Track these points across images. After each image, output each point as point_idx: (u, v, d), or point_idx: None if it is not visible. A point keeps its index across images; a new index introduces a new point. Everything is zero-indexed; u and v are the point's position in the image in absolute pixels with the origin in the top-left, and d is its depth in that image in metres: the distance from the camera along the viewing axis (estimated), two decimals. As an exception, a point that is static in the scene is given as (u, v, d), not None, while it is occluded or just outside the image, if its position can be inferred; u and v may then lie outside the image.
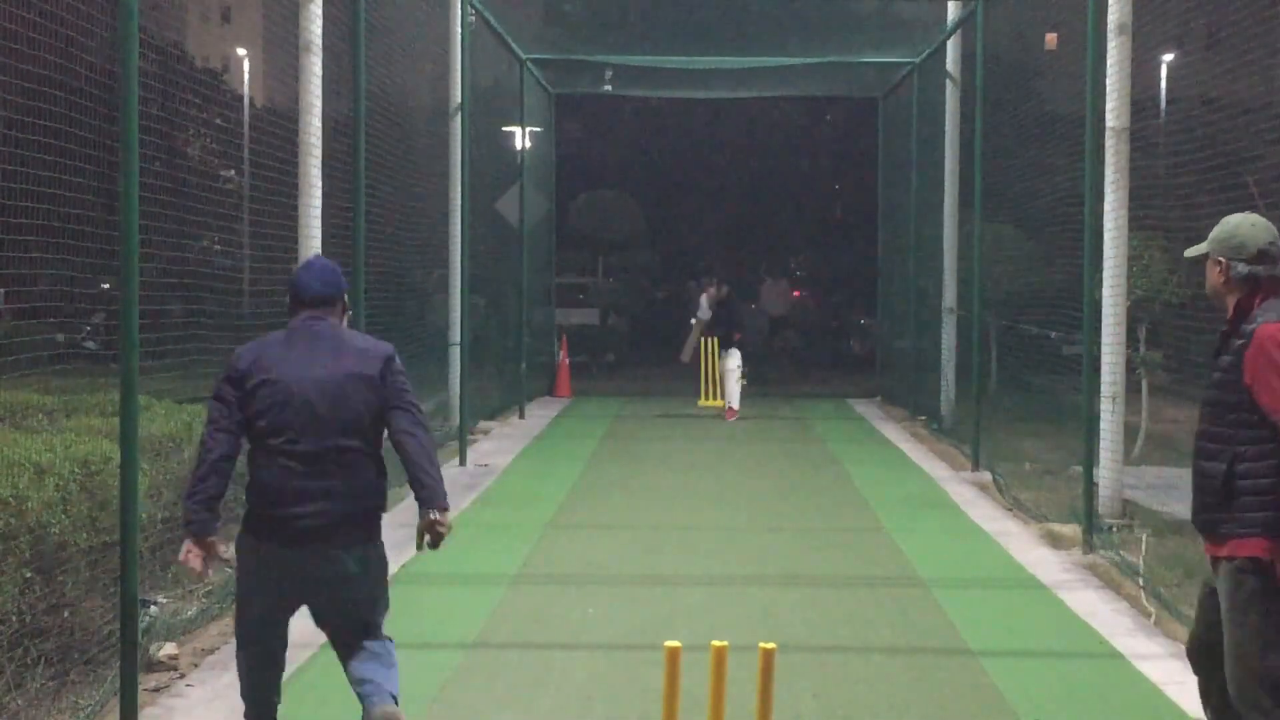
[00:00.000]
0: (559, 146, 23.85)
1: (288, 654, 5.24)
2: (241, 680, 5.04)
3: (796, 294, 33.09)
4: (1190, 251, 4.82)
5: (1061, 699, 6.08)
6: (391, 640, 5.05)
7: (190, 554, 4.86)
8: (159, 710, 5.67)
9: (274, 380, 4.82)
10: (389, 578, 5.17)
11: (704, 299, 18.42)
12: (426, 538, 4.92)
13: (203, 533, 4.84)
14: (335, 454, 4.80)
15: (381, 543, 5.06)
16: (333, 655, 6.09)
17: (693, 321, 19.09)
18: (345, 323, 5.12)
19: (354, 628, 4.95)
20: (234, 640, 5.19)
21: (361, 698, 4.88)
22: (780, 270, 34.42)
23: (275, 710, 5.07)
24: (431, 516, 4.88)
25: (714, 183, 34.32)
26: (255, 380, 4.83)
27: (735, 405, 17.82)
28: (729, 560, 8.95)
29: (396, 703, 4.86)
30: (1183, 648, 6.74)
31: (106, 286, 7.69)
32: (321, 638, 6.32)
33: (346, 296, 5.14)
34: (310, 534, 4.80)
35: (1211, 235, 4.69)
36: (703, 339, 19.85)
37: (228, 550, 4.99)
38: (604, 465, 13.53)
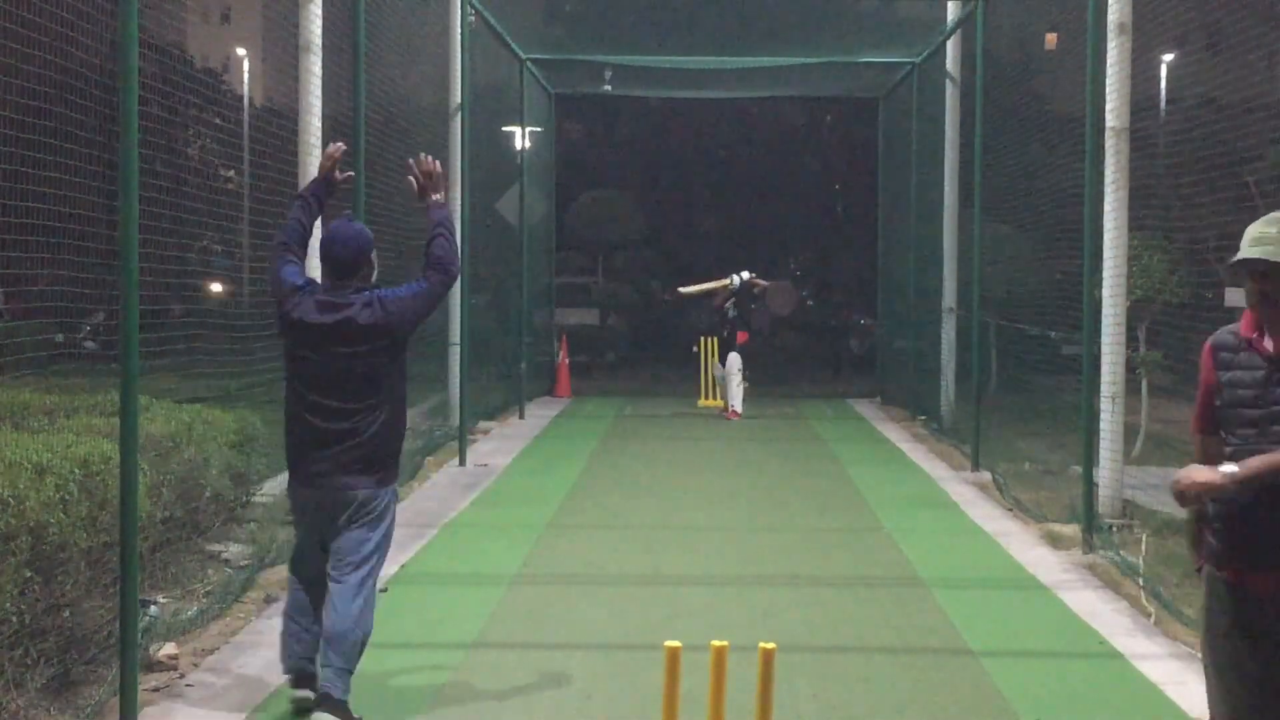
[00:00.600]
0: (559, 146, 23.84)
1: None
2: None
3: (803, 295, 33.07)
4: (1257, 252, 3.79)
5: (1061, 699, 6.08)
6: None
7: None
8: (159, 710, 5.67)
9: (300, 332, 5.51)
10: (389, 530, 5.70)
11: (744, 275, 18.23)
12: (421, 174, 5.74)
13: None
14: (345, 415, 5.46)
15: (388, 490, 5.62)
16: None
17: (725, 283, 18.43)
18: (374, 277, 5.68)
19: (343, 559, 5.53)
20: (235, 639, 5.85)
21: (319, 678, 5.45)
22: (787, 270, 34.39)
23: (307, 660, 5.49)
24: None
25: (714, 183, 34.29)
26: (292, 318, 5.54)
27: (738, 407, 17.85)
28: (729, 560, 8.95)
29: (340, 705, 5.33)
30: (1183, 647, 6.76)
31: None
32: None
33: (374, 254, 5.69)
34: (322, 479, 5.49)
35: None
36: (704, 339, 19.90)
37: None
38: (604, 465, 13.53)
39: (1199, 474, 3.80)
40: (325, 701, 5.34)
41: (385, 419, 5.53)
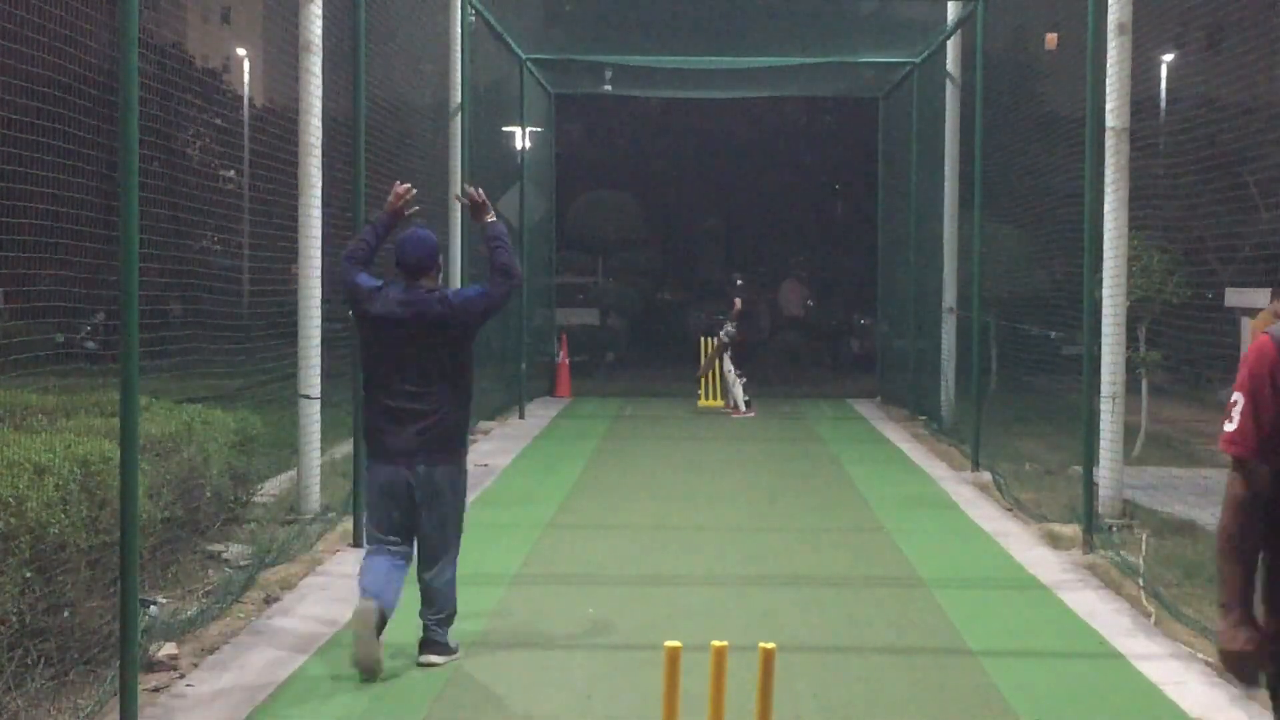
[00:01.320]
0: (559, 146, 23.84)
1: (289, 653, 5.83)
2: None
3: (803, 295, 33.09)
4: None
5: (1061, 699, 6.08)
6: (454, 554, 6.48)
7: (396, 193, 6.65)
8: (159, 710, 5.67)
9: (377, 327, 6.30)
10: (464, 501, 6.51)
11: (731, 327, 18.56)
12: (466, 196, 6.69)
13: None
14: (421, 397, 6.25)
15: (460, 466, 6.42)
16: (332, 655, 6.13)
17: (718, 344, 18.84)
18: (440, 280, 6.52)
19: (430, 532, 6.38)
20: (235, 639, 6.31)
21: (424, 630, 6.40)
22: (788, 270, 34.35)
23: (385, 608, 6.13)
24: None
25: (714, 183, 34.26)
26: (368, 314, 6.33)
27: (740, 404, 18.08)
28: (729, 560, 8.95)
29: (442, 646, 6.35)
30: (1182, 647, 6.76)
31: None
32: (321, 640, 6.37)
33: (440, 258, 6.54)
34: (401, 456, 6.23)
35: None
36: (703, 339, 20.04)
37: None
38: (604, 465, 13.53)
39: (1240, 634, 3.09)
40: (429, 645, 6.34)
41: (453, 400, 6.34)
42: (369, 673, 5.99)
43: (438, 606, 6.38)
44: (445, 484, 6.32)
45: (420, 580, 6.40)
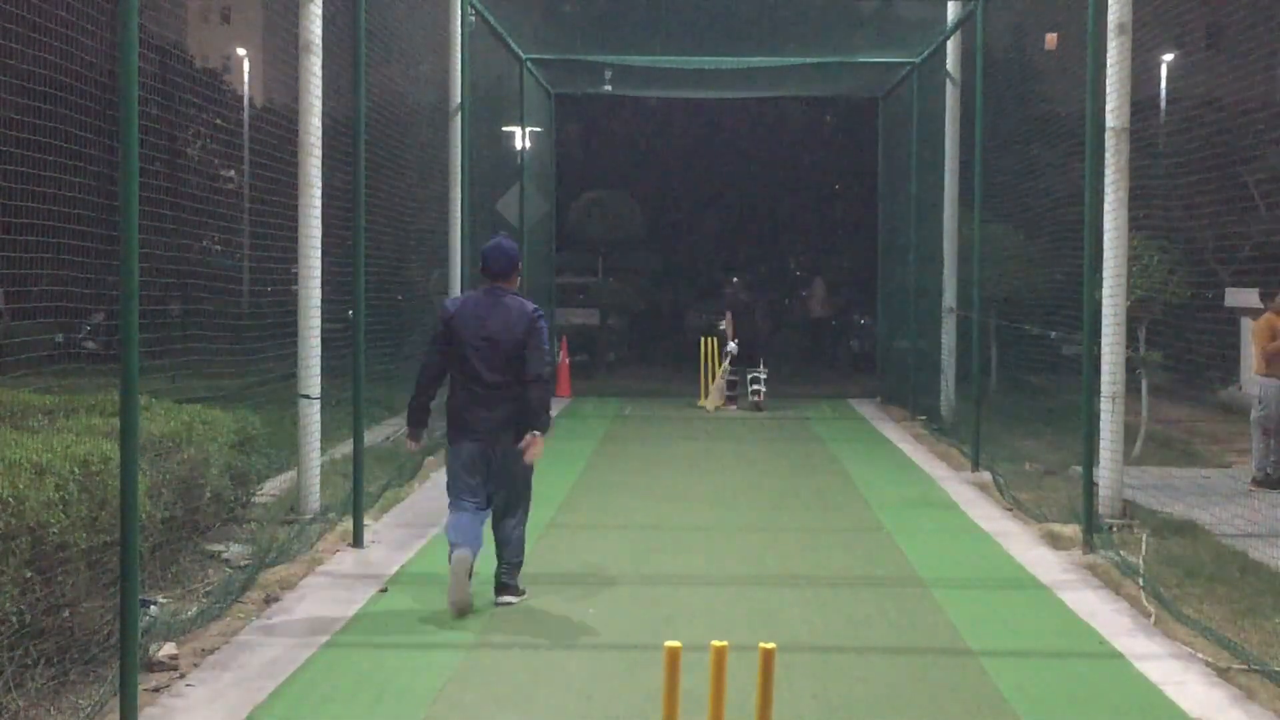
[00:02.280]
0: (559, 146, 23.83)
1: (289, 653, 5.88)
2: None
3: (802, 294, 33.09)
4: None
5: (1061, 699, 6.08)
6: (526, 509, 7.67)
7: (409, 443, 7.72)
8: (159, 710, 5.67)
9: (464, 331, 7.32)
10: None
11: (732, 345, 18.74)
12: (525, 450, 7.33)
13: (414, 435, 7.64)
14: (499, 385, 7.28)
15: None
16: (332, 655, 6.12)
17: (730, 351, 18.97)
18: (518, 285, 7.55)
19: (507, 492, 7.50)
20: (235, 639, 6.44)
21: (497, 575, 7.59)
22: (788, 271, 34.28)
23: (474, 553, 7.32)
24: (526, 438, 7.26)
25: (714, 183, 34.24)
26: (455, 326, 7.35)
27: (719, 399, 18.93)
28: (729, 560, 8.95)
29: (514, 588, 7.56)
30: (1182, 647, 6.76)
31: None
32: (323, 637, 6.37)
33: (520, 265, 7.61)
34: (482, 434, 7.30)
35: None
36: (703, 339, 20.08)
37: (418, 446, 7.82)
38: (604, 465, 13.53)
39: None
40: (504, 589, 7.49)
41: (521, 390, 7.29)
42: (461, 612, 7.16)
43: (511, 550, 7.53)
44: (515, 457, 7.29)
45: (497, 532, 7.52)
